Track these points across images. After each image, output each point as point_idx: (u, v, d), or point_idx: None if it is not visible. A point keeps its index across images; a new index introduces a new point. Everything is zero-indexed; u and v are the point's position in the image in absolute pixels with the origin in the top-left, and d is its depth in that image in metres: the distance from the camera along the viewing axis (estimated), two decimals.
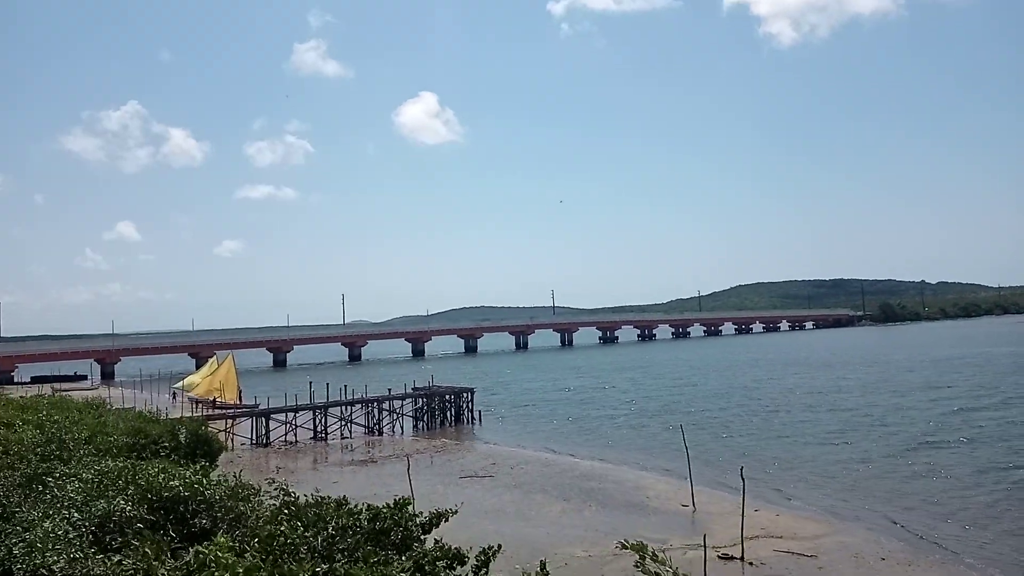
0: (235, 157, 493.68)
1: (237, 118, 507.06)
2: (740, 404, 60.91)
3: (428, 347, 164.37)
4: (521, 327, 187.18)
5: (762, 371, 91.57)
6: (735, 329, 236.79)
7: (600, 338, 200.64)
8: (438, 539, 10.42)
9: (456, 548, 10.07)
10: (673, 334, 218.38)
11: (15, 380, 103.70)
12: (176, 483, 13.98)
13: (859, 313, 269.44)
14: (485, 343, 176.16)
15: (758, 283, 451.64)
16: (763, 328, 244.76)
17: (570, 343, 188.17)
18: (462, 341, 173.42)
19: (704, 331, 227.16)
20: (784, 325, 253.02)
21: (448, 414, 57.96)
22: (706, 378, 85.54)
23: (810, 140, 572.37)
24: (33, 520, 13.24)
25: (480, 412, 58.29)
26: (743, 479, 25.48)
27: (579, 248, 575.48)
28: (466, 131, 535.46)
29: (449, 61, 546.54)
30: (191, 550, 10.32)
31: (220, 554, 8.99)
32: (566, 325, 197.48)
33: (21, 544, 12.11)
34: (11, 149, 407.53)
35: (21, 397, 38.81)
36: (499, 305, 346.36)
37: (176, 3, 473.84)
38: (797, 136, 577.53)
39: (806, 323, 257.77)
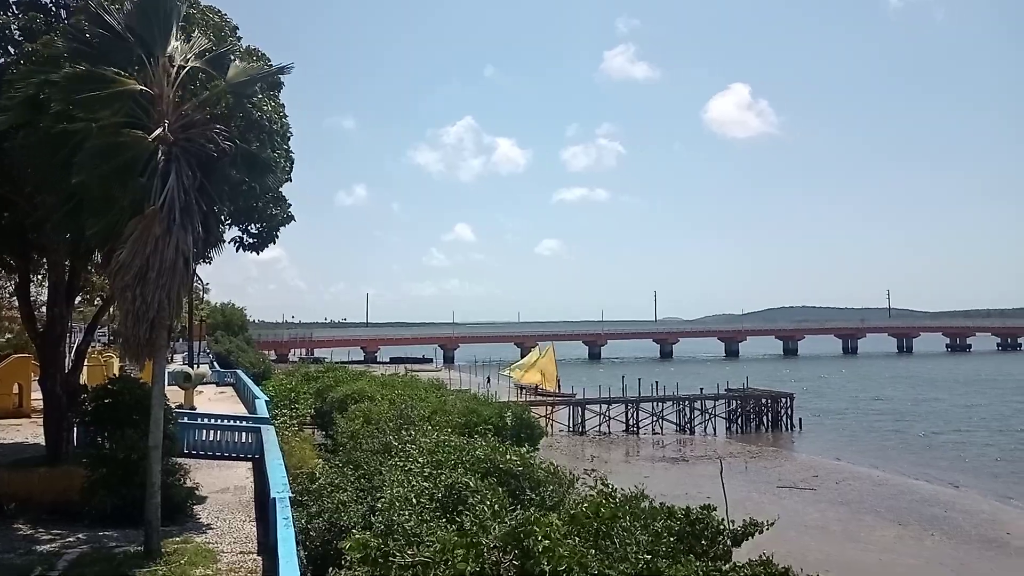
0: (552, 162, 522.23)
1: (554, 125, 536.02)
2: None
3: (742, 347, 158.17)
4: (849, 330, 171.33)
5: None
6: None
7: (948, 346, 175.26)
8: (765, 554, 9.92)
9: (785, 568, 9.48)
10: None
11: (377, 360, 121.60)
12: (512, 458, 15.29)
13: None
14: (806, 346, 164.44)
15: None
16: None
17: (909, 350, 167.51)
18: (780, 343, 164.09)
19: None
20: None
21: (764, 419, 55.30)
22: None
23: None
24: (390, 482, 15.38)
25: (800, 420, 54.67)
26: None
27: (919, 243, 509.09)
28: (783, 121, 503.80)
29: (762, 49, 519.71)
30: (516, 511, 11.15)
31: (543, 521, 9.54)
32: (904, 329, 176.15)
33: (382, 501, 14.14)
34: (374, 165, 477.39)
35: (381, 375, 45.45)
36: (823, 305, 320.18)
37: (496, 21, 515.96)
38: None
39: None
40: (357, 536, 10.64)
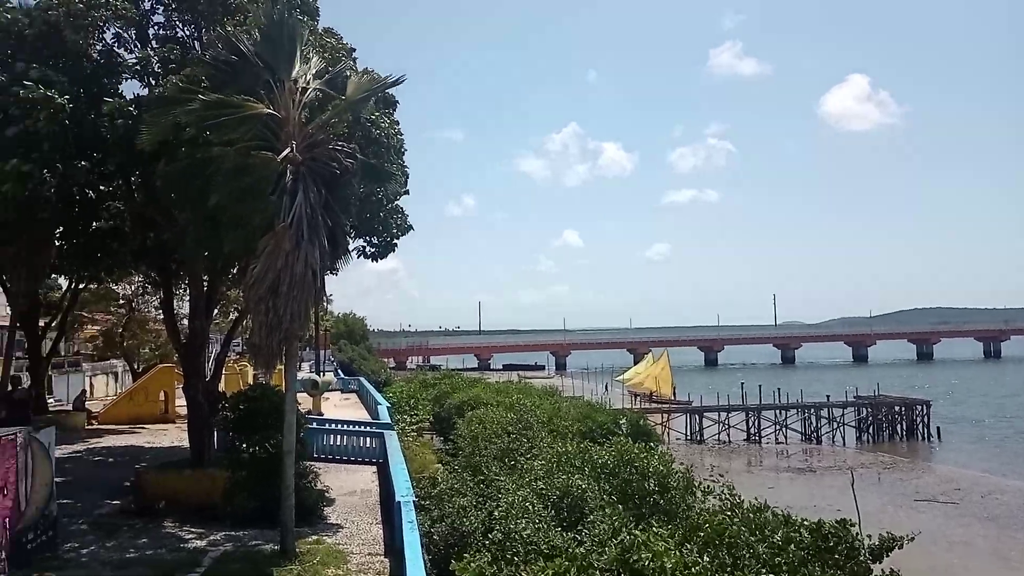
0: (659, 164, 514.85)
1: (660, 127, 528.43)
2: None
3: (871, 352, 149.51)
4: (992, 332, 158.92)
5: None
6: None
7: None
8: (895, 570, 9.35)
9: None
10: None
11: (490, 366, 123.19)
12: (649, 461, 14.92)
13: None
14: (942, 350, 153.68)
15: None
16: None
17: None
18: (913, 347, 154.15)
19: None
20: None
21: (898, 427, 52.11)
22: None
23: None
24: (507, 489, 15.50)
25: (938, 428, 51.12)
26: None
27: None
28: (906, 111, 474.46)
29: (884, 36, 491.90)
30: (625, 531, 10.98)
31: (652, 541, 9.34)
32: None
33: (499, 509, 14.25)
34: (481, 175, 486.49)
35: (496, 382, 46.06)
36: (961, 306, 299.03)
37: (598, 26, 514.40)
38: None
39: None
40: (473, 563, 10.73)
